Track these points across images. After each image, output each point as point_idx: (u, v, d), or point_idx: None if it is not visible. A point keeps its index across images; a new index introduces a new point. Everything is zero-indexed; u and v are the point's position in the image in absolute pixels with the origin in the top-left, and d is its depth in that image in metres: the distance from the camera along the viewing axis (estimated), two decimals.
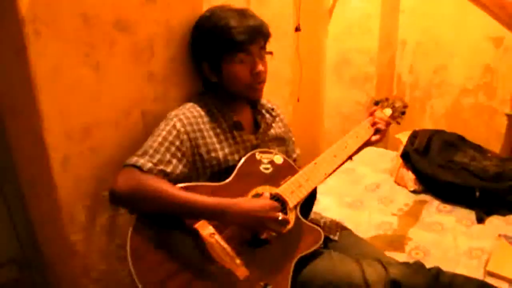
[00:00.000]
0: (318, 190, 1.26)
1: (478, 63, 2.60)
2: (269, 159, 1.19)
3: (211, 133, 1.16)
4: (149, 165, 1.03)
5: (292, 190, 1.16)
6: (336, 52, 2.87)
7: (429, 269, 1.16)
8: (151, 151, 1.06)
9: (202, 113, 1.18)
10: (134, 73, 1.18)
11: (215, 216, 1.02)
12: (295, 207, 1.16)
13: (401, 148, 2.36)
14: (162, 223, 1.00)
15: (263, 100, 1.32)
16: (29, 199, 1.23)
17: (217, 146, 1.16)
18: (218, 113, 1.20)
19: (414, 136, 2.39)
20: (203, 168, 1.15)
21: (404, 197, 2.10)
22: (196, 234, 1.01)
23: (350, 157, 1.30)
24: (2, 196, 1.21)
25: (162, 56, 1.24)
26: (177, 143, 1.09)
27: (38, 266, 1.30)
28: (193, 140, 1.12)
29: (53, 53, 0.99)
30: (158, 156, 1.06)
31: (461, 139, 2.40)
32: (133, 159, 1.04)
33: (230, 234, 1.05)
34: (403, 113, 1.47)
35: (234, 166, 1.14)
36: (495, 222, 1.84)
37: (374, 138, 1.34)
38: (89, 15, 1.04)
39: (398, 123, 1.47)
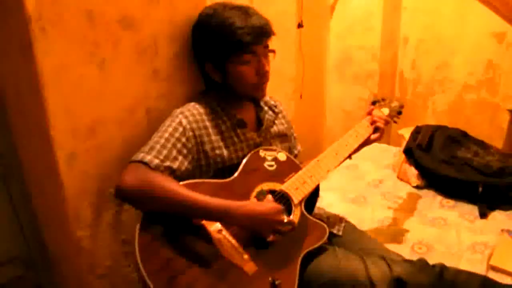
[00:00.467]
0: (321, 186, 1.27)
1: (480, 59, 2.59)
2: (273, 156, 1.20)
3: (215, 130, 1.16)
4: (156, 161, 1.03)
5: (296, 187, 1.17)
6: (338, 50, 2.87)
7: (433, 266, 1.17)
8: (157, 147, 1.05)
9: (206, 111, 1.17)
10: (139, 71, 1.18)
11: (223, 218, 1.02)
12: (300, 203, 1.17)
13: (404, 143, 2.37)
14: (169, 219, 1.00)
15: (266, 97, 1.32)
16: (35, 196, 1.24)
17: (222, 143, 1.16)
18: (221, 111, 1.20)
19: (416, 132, 2.40)
20: (206, 166, 1.15)
21: (407, 193, 2.11)
22: (203, 230, 1.02)
23: (350, 156, 1.32)
24: (8, 194, 1.22)
25: (166, 54, 1.24)
26: (183, 139, 1.09)
27: (44, 264, 1.30)
28: (198, 137, 1.12)
29: (58, 51, 0.99)
30: (164, 152, 1.05)
31: (464, 134, 2.41)
32: (140, 155, 1.03)
33: (237, 230, 1.05)
34: (400, 112, 1.52)
35: (237, 164, 1.15)
36: (498, 217, 1.84)
37: (373, 136, 1.35)
38: (94, 13, 1.04)
39: (395, 122, 1.52)
